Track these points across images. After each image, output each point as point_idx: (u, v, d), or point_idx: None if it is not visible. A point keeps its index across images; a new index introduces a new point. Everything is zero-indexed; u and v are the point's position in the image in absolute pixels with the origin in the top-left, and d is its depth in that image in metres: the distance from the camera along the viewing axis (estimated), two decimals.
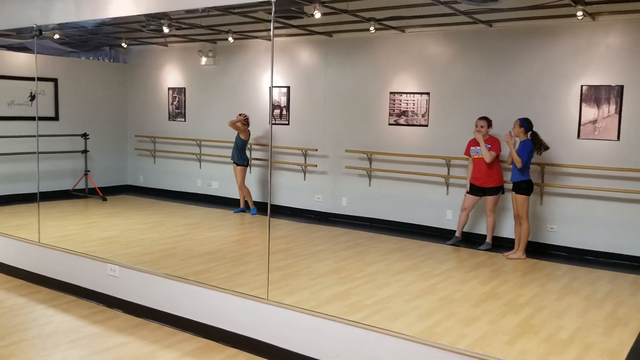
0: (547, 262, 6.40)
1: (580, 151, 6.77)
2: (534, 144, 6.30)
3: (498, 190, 6.84)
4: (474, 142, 6.93)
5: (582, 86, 6.72)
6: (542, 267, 6.21)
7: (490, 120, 6.87)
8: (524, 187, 6.33)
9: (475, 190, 6.94)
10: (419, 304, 4.75)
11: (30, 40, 7.37)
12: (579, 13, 6.05)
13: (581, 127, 6.76)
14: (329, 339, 4.13)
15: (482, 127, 6.81)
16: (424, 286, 5.27)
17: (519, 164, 6.26)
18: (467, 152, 7.01)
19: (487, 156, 6.71)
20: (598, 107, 6.63)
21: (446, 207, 7.71)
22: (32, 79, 8.76)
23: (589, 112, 6.69)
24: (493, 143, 6.80)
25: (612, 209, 6.64)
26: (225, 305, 4.68)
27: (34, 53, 7.21)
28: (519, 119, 6.40)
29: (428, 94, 7.81)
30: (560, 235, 6.97)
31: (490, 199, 6.85)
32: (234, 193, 9.31)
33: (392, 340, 3.88)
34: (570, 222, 6.91)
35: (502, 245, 7.07)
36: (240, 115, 8.71)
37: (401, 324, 4.23)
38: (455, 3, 6.05)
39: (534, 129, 6.40)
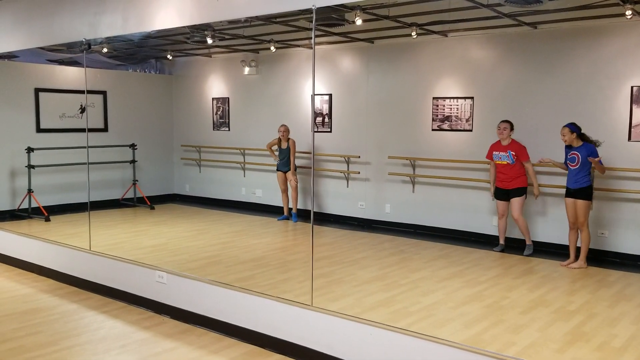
0: (598, 269, 6.22)
1: (632, 154, 6.57)
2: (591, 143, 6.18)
3: (522, 191, 6.77)
4: (496, 147, 6.89)
5: (632, 87, 6.53)
6: (593, 273, 6.04)
7: (512, 123, 6.85)
8: (587, 192, 6.16)
9: (500, 194, 6.91)
10: (465, 311, 4.68)
11: (80, 54, 7.61)
12: (628, 12, 5.88)
13: (632, 129, 6.56)
14: (374, 346, 4.11)
15: (504, 129, 6.79)
16: (470, 293, 5.19)
17: (603, 171, 6.21)
18: (489, 156, 6.97)
19: (531, 170, 6.70)
20: None
21: (492, 213, 7.58)
22: (82, 92, 9.04)
23: None
24: (519, 150, 6.73)
25: None
26: (270, 312, 4.71)
27: (83, 67, 7.43)
28: (566, 125, 6.23)
29: (472, 98, 7.72)
30: (612, 240, 6.77)
31: (515, 202, 6.77)
32: (277, 201, 9.38)
33: (438, 348, 3.83)
34: (621, 227, 6.71)
35: (548, 251, 6.91)
36: (281, 127, 8.79)
37: (447, 331, 4.18)
38: (499, 5, 5.97)
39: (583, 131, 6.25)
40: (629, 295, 5.25)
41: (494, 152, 6.91)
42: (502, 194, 6.90)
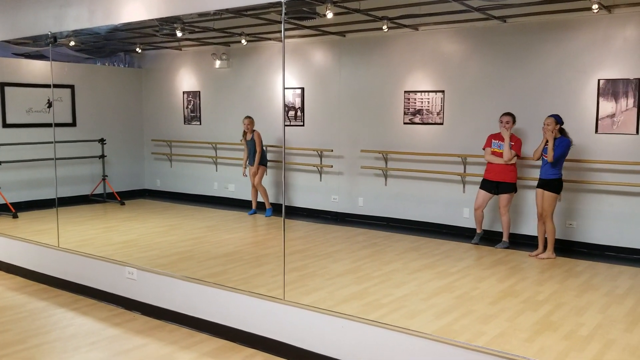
0: (566, 259, 6.33)
1: (598, 146, 6.69)
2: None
3: (512, 187, 6.77)
4: (495, 136, 6.84)
5: (599, 80, 6.64)
6: (561, 263, 6.14)
7: (515, 117, 6.77)
8: (557, 184, 6.24)
9: (488, 185, 6.88)
10: (436, 302, 4.72)
11: (46, 47, 7.45)
12: (595, 6, 5.99)
13: (599, 122, 6.68)
14: (346, 338, 4.12)
15: (507, 122, 6.71)
16: (441, 284, 5.24)
17: (550, 159, 6.14)
18: (488, 144, 6.88)
19: (507, 154, 6.65)
20: (616, 101, 6.55)
21: (463, 205, 7.66)
22: (49, 86, 8.86)
23: (607, 107, 6.61)
24: (516, 142, 6.72)
25: (631, 203, 6.56)
26: (243, 306, 4.69)
27: (50, 60, 7.29)
28: (552, 116, 6.27)
29: (443, 91, 7.77)
30: (579, 231, 6.89)
31: (503, 197, 6.78)
32: (250, 195, 9.32)
33: (410, 339, 3.86)
34: (589, 217, 6.83)
35: (518, 242, 7.01)
36: (244, 119, 8.73)
37: (418, 322, 4.21)
38: None
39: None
40: (596, 284, 5.35)
41: (493, 140, 6.83)
42: (490, 186, 6.85)
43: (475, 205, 7.00)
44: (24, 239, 6.77)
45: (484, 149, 6.96)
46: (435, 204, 7.93)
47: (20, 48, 8.93)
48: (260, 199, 8.96)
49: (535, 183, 6.48)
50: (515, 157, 6.69)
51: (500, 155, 6.72)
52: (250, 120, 8.72)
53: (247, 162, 8.86)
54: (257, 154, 8.66)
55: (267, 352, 4.51)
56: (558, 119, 6.25)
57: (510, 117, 6.73)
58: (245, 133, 8.77)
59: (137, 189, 11.07)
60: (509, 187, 6.76)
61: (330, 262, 6.08)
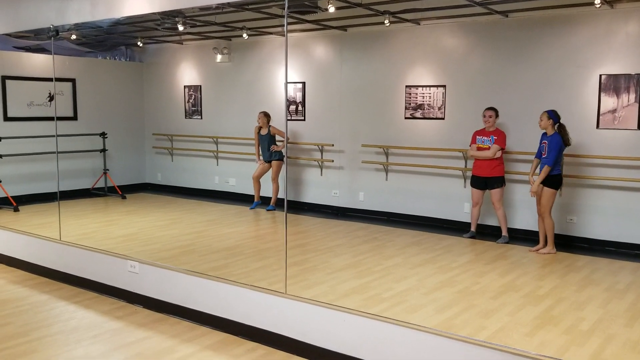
0: (567, 254, 6.34)
1: (600, 141, 6.68)
2: (562, 137, 6.20)
3: (500, 181, 6.79)
4: (480, 132, 6.91)
5: (600, 75, 6.63)
6: (562, 258, 6.15)
7: (497, 111, 6.83)
8: (554, 180, 6.23)
9: (478, 182, 6.92)
10: (437, 296, 4.73)
11: (48, 41, 7.45)
12: (597, 1, 5.98)
13: (600, 117, 6.67)
14: (347, 332, 4.13)
15: (490, 117, 6.78)
16: (442, 279, 5.25)
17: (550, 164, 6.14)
18: (474, 141, 6.96)
19: (492, 151, 6.70)
20: (617, 96, 6.55)
21: (463, 200, 7.67)
22: (51, 79, 8.86)
23: (608, 102, 6.61)
24: (499, 136, 6.76)
25: (632, 199, 6.56)
26: (244, 300, 4.71)
27: (51, 54, 7.28)
28: (546, 111, 6.28)
29: (444, 86, 7.77)
30: (580, 226, 6.90)
31: (494, 192, 6.82)
32: (251, 189, 9.32)
33: (411, 333, 3.87)
34: (590, 213, 6.84)
35: (518, 237, 7.02)
36: (260, 114, 8.73)
37: (419, 316, 4.22)
38: None
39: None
40: (596, 279, 5.36)
41: (477, 137, 6.90)
42: (479, 182, 6.92)
43: (472, 202, 7.05)
44: (25, 232, 6.78)
45: (470, 146, 7.01)
46: (436, 198, 7.94)
47: (21, 41, 8.92)
48: (263, 192, 8.96)
49: (527, 177, 6.48)
50: (500, 152, 6.73)
51: (487, 148, 6.77)
52: (264, 114, 8.71)
53: (261, 156, 8.85)
54: (281, 148, 8.66)
55: (269, 345, 4.53)
56: (550, 113, 6.23)
57: (492, 112, 6.81)
58: (260, 128, 8.76)
59: (138, 182, 11.08)
60: (497, 182, 6.80)
61: (331, 256, 6.09)
